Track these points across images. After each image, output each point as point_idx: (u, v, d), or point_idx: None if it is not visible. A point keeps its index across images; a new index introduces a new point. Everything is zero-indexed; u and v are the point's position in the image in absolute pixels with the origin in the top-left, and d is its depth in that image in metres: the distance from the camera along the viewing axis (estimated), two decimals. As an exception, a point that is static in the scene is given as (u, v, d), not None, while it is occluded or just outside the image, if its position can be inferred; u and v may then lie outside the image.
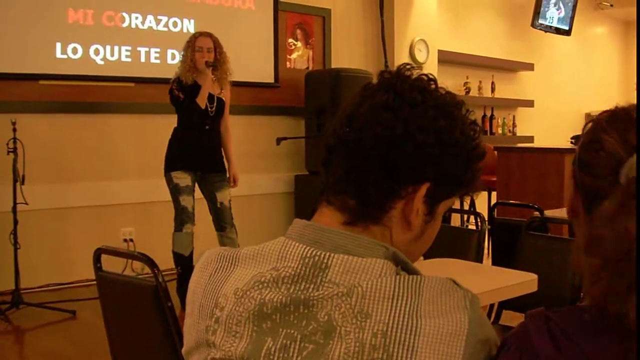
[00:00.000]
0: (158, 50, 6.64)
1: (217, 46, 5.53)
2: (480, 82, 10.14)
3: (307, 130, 7.44)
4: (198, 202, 5.54)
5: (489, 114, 10.23)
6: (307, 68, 7.89)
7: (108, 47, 6.33)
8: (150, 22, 6.59)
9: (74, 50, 6.13)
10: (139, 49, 6.53)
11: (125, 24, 6.44)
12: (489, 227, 4.63)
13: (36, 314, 5.22)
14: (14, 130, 5.24)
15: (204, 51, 5.43)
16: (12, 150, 5.22)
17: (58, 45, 6.05)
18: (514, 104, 10.80)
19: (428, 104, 1.18)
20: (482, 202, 8.07)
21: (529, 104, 10.93)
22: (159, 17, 6.64)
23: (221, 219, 5.64)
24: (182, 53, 5.58)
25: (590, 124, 1.15)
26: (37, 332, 5.04)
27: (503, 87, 10.59)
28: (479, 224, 4.08)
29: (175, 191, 5.41)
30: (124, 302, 2.63)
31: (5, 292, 5.38)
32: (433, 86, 1.22)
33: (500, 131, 10.44)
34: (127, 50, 6.45)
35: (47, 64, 6.00)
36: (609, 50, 13.38)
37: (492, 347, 1.11)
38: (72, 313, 5.27)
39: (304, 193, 7.41)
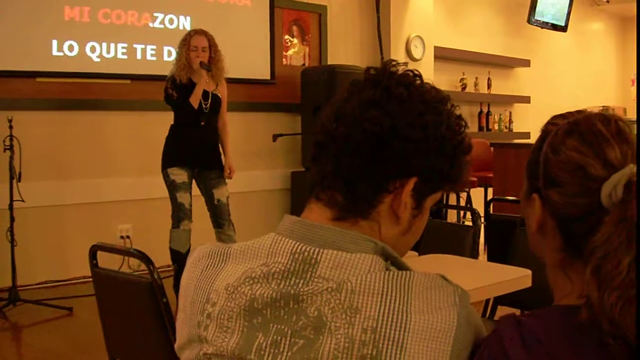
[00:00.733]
0: (154, 47, 6.64)
1: (212, 44, 5.54)
2: (476, 78, 10.15)
3: (303, 127, 7.45)
4: (195, 199, 5.55)
5: (485, 110, 10.23)
6: (303, 64, 7.89)
7: (104, 44, 6.33)
8: (146, 19, 6.59)
9: (70, 48, 6.13)
10: (135, 46, 6.52)
11: (122, 21, 6.43)
12: (485, 223, 4.64)
13: (33, 311, 5.22)
14: (10, 127, 5.24)
15: (198, 50, 5.43)
16: (8, 147, 5.22)
17: (54, 42, 6.05)
18: (510, 100, 10.80)
19: (415, 100, 1.19)
20: (478, 198, 8.08)
21: (525, 100, 10.94)
22: (155, 14, 6.64)
23: (219, 216, 5.65)
24: (177, 51, 5.58)
25: (553, 135, 1.15)
26: (34, 329, 5.04)
27: (499, 83, 10.60)
28: (475, 220, 4.09)
29: (172, 188, 5.42)
30: (120, 299, 2.64)
31: (2, 289, 5.38)
32: (419, 82, 1.23)
33: (496, 127, 10.44)
34: (123, 48, 6.44)
35: (44, 61, 5.99)
36: (605, 47, 13.39)
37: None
38: (68, 310, 5.28)
39: (300, 189, 7.42)
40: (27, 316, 5.19)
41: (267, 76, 7.53)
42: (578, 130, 1.13)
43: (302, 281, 1.12)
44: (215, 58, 5.57)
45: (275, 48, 7.58)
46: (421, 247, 3.76)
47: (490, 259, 4.36)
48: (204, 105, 5.47)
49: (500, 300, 3.67)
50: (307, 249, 1.15)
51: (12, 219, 5.26)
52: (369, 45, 8.45)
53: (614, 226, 1.02)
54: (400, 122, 1.16)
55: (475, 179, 7.62)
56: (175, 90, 5.41)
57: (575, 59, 12.39)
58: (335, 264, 1.12)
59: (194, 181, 5.61)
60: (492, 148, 7.45)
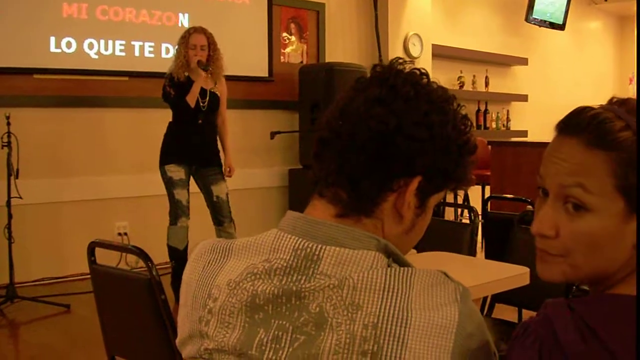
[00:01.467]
0: (152, 44, 6.64)
1: (211, 43, 5.53)
2: (474, 76, 10.15)
3: (301, 125, 7.45)
4: (194, 196, 5.55)
5: (482, 108, 10.24)
6: (301, 62, 7.89)
7: (102, 41, 6.32)
8: (144, 16, 6.58)
9: (68, 44, 6.12)
10: (133, 43, 6.52)
11: (119, 18, 6.43)
12: (482, 220, 4.64)
13: (30, 308, 5.22)
14: (8, 124, 5.24)
15: (197, 49, 5.43)
16: (6, 144, 5.22)
17: (52, 39, 6.04)
18: (507, 99, 10.81)
19: (421, 99, 1.19)
20: (476, 195, 8.09)
21: (523, 98, 10.95)
22: (152, 11, 6.63)
23: (218, 213, 5.66)
24: (176, 48, 5.58)
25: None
26: (32, 326, 5.04)
27: (497, 81, 10.60)
28: (472, 217, 4.09)
29: (170, 185, 5.42)
30: (118, 295, 2.63)
31: (0, 286, 5.38)
32: (425, 80, 1.23)
33: (494, 125, 10.45)
34: (121, 45, 6.44)
35: (42, 58, 5.99)
36: (603, 45, 13.40)
37: (482, 339, 1.12)
38: (66, 307, 5.28)
39: (298, 187, 7.42)
40: (25, 313, 5.19)
41: (265, 74, 7.53)
42: None
43: (304, 277, 1.12)
44: (214, 56, 5.56)
45: (273, 45, 7.58)
46: (419, 245, 3.75)
47: (488, 256, 4.37)
48: (201, 104, 5.46)
49: (497, 297, 3.67)
50: (310, 246, 1.15)
51: (10, 216, 5.26)
52: (366, 43, 8.45)
53: None
54: (405, 120, 1.16)
55: (473, 177, 7.61)
56: (173, 88, 5.40)
57: (573, 58, 12.40)
58: (337, 260, 1.13)
59: (192, 179, 5.61)
60: (489, 146, 7.45)
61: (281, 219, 1.24)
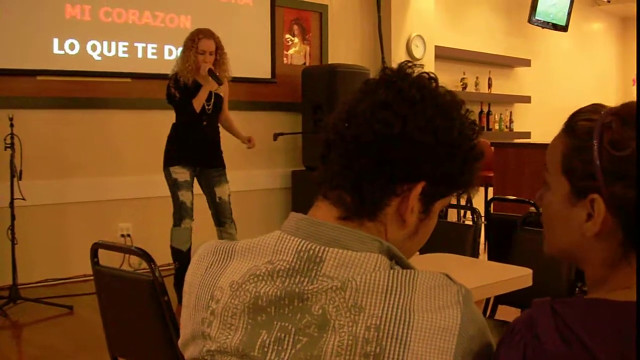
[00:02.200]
0: (155, 45, 6.64)
1: (218, 47, 5.54)
2: (477, 78, 10.16)
3: (304, 126, 7.45)
4: (197, 198, 5.56)
5: (485, 109, 10.24)
6: (304, 64, 7.89)
7: (105, 43, 6.33)
8: (147, 18, 6.59)
9: (71, 46, 6.13)
10: (136, 44, 6.53)
11: (122, 20, 6.44)
12: (485, 222, 4.64)
13: (33, 309, 5.23)
14: (11, 125, 5.25)
15: (206, 54, 5.43)
16: (9, 145, 5.23)
17: (55, 40, 6.05)
18: (510, 100, 10.81)
19: (427, 103, 1.18)
20: (478, 197, 8.08)
21: (526, 99, 10.95)
22: (155, 13, 6.64)
23: (220, 214, 5.67)
24: (181, 49, 5.56)
25: (608, 131, 1.13)
26: (35, 327, 5.05)
27: (500, 83, 10.60)
28: (475, 219, 4.09)
29: (174, 186, 5.43)
30: (121, 297, 2.64)
31: (3, 288, 5.38)
32: (434, 85, 1.23)
33: (497, 127, 10.45)
34: (124, 46, 6.45)
35: (45, 59, 5.99)
36: (606, 46, 13.40)
37: (485, 342, 1.12)
38: (69, 308, 5.28)
39: (301, 188, 7.42)
40: (28, 314, 5.19)
41: (268, 75, 7.53)
42: (631, 119, 1.12)
43: (307, 279, 1.12)
44: (221, 60, 5.57)
45: (276, 47, 7.58)
46: (422, 246, 3.76)
47: (491, 258, 4.37)
48: (206, 106, 5.48)
49: (500, 299, 3.67)
50: (313, 247, 1.15)
51: (13, 217, 5.26)
52: (369, 45, 8.45)
53: None
54: (410, 125, 1.16)
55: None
56: (178, 91, 5.40)
57: (576, 59, 12.40)
58: (340, 262, 1.13)
59: (195, 179, 5.62)
60: (492, 148, 7.46)
61: (284, 221, 1.24)
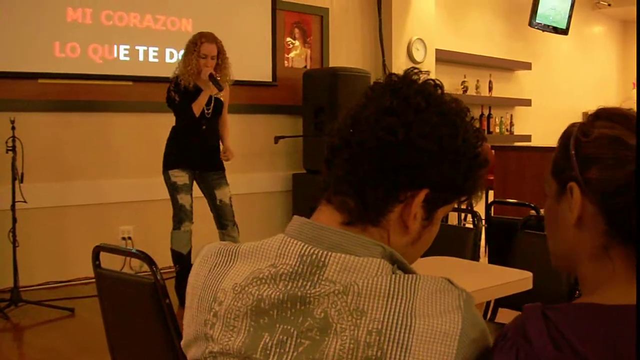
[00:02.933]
0: (156, 49, 6.65)
1: (220, 51, 5.55)
2: (477, 81, 10.16)
3: (305, 129, 7.46)
4: (197, 201, 5.57)
5: (486, 113, 10.25)
6: (305, 67, 7.90)
7: (106, 46, 6.34)
8: (148, 21, 6.60)
9: (73, 49, 6.14)
10: (137, 47, 6.54)
11: (124, 23, 6.45)
12: (486, 225, 4.65)
13: (35, 312, 5.24)
14: (13, 128, 5.26)
15: (207, 59, 5.43)
16: (10, 148, 5.23)
17: (57, 44, 6.06)
18: (511, 103, 10.81)
19: (432, 110, 1.19)
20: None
21: (527, 103, 10.95)
22: (157, 16, 6.65)
23: (222, 217, 5.67)
24: (182, 52, 5.58)
25: (581, 125, 1.20)
26: (36, 330, 5.05)
27: (500, 86, 10.60)
28: (476, 222, 4.10)
29: (173, 189, 5.44)
30: (123, 299, 2.64)
31: (4, 290, 5.39)
32: (439, 92, 1.23)
33: (497, 130, 10.45)
34: (125, 49, 6.46)
35: (46, 62, 6.01)
36: (607, 50, 13.40)
37: (486, 346, 1.12)
38: (70, 311, 5.29)
39: (302, 191, 7.43)
40: (29, 317, 5.20)
41: (269, 78, 7.54)
42: (605, 114, 1.18)
43: (309, 283, 1.13)
44: (222, 65, 5.58)
45: (277, 50, 7.59)
46: (423, 250, 3.76)
47: (491, 261, 4.37)
48: (206, 111, 5.49)
49: (501, 302, 3.68)
50: (315, 252, 1.15)
51: (15, 220, 5.27)
52: (370, 48, 8.47)
53: None
54: (414, 132, 1.16)
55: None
56: (178, 95, 5.41)
57: (577, 62, 12.40)
58: (342, 267, 1.13)
59: (195, 183, 5.63)
60: (493, 151, 7.46)
61: (287, 224, 1.24)
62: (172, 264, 5.52)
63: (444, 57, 9.26)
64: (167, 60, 6.66)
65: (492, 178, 7.36)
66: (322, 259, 1.14)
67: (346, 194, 1.20)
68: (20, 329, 5.08)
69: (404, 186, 1.18)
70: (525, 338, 1.08)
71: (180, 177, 5.45)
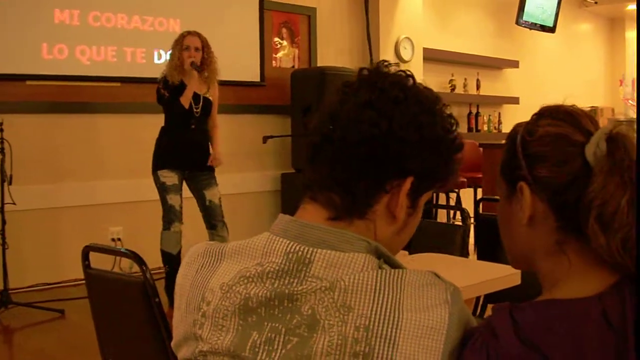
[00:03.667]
0: (144, 50, 6.65)
1: (205, 46, 5.56)
2: (465, 79, 10.18)
3: (293, 129, 7.46)
4: (187, 201, 5.56)
5: (474, 111, 10.28)
6: (293, 67, 7.91)
7: (94, 47, 6.33)
8: (136, 22, 6.59)
9: (61, 51, 6.13)
10: (125, 49, 6.53)
11: (111, 24, 6.44)
12: (474, 222, 4.66)
13: (25, 314, 5.23)
14: (1, 130, 5.25)
15: (191, 50, 5.45)
16: (-1, 150, 5.24)
17: (44, 45, 6.05)
18: (499, 101, 10.85)
19: (410, 101, 1.21)
20: (468, 197, 8.11)
21: (514, 101, 10.98)
22: (144, 17, 6.65)
23: (211, 217, 5.67)
24: (169, 52, 5.60)
25: (525, 125, 1.24)
26: (26, 332, 5.05)
27: (488, 84, 10.64)
28: (464, 219, 4.11)
29: (163, 190, 5.43)
30: (113, 299, 2.64)
31: (-6, 292, 5.39)
32: (412, 82, 1.25)
33: (485, 128, 10.48)
34: (113, 51, 6.45)
35: (34, 64, 6.00)
36: (594, 47, 13.45)
37: None
38: (60, 312, 5.28)
39: (290, 191, 7.43)
40: (19, 319, 5.19)
41: (257, 78, 7.54)
42: (548, 112, 1.23)
43: (296, 280, 1.13)
44: (208, 59, 5.58)
45: (264, 50, 7.60)
46: (412, 247, 3.78)
47: (480, 257, 4.38)
48: (194, 109, 5.48)
49: (490, 298, 3.69)
50: (301, 249, 1.16)
51: (4, 222, 5.26)
52: (358, 47, 8.47)
53: (607, 173, 1.09)
54: (396, 123, 1.18)
55: (464, 179, 7.66)
56: (167, 91, 5.42)
57: (564, 60, 12.44)
58: (328, 263, 1.14)
59: (185, 183, 5.63)
60: (481, 149, 7.48)
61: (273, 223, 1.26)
62: (162, 265, 5.52)
63: (432, 56, 9.28)
64: (156, 61, 6.66)
65: (480, 176, 7.38)
66: (308, 256, 1.15)
67: (332, 190, 1.21)
68: (10, 331, 5.07)
69: (390, 176, 1.20)
70: (494, 336, 1.09)
71: (170, 177, 5.44)
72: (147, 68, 6.53)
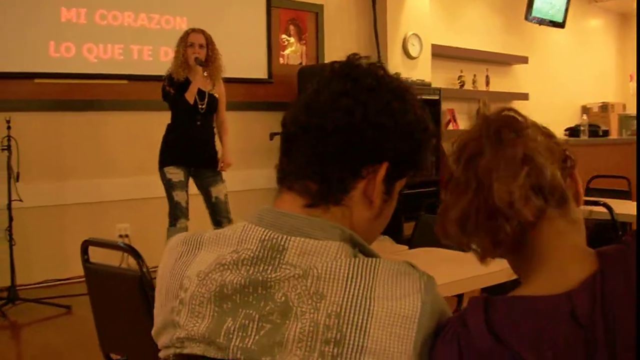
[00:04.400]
0: (151, 47, 6.67)
1: (209, 42, 5.57)
2: (474, 75, 10.16)
3: (301, 126, 7.46)
4: (193, 198, 5.58)
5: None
6: (300, 63, 7.92)
7: (101, 45, 6.37)
8: (142, 20, 6.62)
9: (67, 49, 6.17)
10: (131, 46, 6.56)
11: (118, 22, 6.48)
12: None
13: (32, 310, 5.27)
14: (8, 128, 5.30)
15: (195, 47, 5.47)
16: (6, 147, 5.27)
17: (51, 43, 6.09)
18: (508, 98, 10.80)
19: (382, 89, 1.24)
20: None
21: (524, 97, 10.94)
22: (151, 15, 6.68)
23: (217, 214, 5.69)
24: (175, 49, 5.61)
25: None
26: (33, 328, 5.08)
27: (497, 80, 10.61)
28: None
29: (169, 186, 5.46)
30: (111, 293, 2.67)
31: (2, 289, 5.41)
32: (382, 72, 1.28)
33: (495, 124, 10.44)
34: (120, 48, 6.48)
35: (41, 62, 6.04)
36: (604, 43, 13.38)
37: None
38: (67, 308, 5.32)
39: (298, 188, 7.43)
40: (26, 315, 5.23)
41: (265, 75, 7.56)
42: None
43: (270, 267, 1.15)
44: (213, 56, 5.60)
45: (272, 47, 7.61)
46: (412, 242, 3.80)
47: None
48: (200, 105, 5.50)
49: (488, 292, 3.69)
50: (275, 236, 1.18)
51: (11, 219, 5.30)
52: (365, 44, 8.47)
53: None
54: (370, 110, 1.21)
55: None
56: (172, 88, 5.44)
57: (574, 56, 12.39)
58: (302, 251, 1.16)
59: (191, 180, 5.65)
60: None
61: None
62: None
63: (440, 52, 9.25)
64: (162, 58, 6.67)
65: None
66: (282, 243, 1.17)
67: (309, 177, 1.23)
68: (17, 327, 5.10)
69: (366, 162, 1.22)
70: (465, 328, 1.11)
71: (176, 174, 5.47)
72: (154, 66, 6.55)
